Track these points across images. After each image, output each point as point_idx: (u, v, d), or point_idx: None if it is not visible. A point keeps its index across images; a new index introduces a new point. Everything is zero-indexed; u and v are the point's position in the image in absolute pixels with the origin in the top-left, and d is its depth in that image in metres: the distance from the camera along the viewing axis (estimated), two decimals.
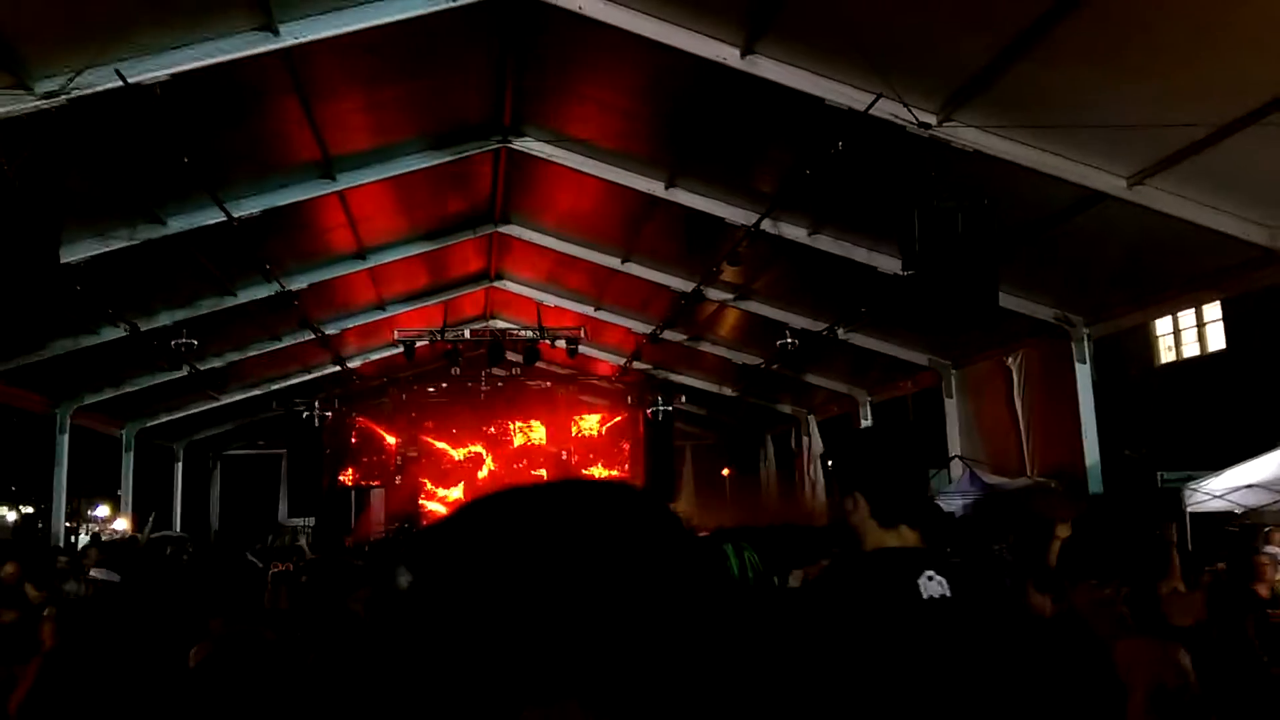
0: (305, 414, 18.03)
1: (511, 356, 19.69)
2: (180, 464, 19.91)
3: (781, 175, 9.68)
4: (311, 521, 19.19)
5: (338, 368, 17.18)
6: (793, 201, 10.04)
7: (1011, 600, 2.05)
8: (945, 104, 7.55)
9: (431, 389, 19.92)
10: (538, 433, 21.15)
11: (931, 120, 7.60)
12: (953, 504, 11.97)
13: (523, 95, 9.81)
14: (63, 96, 6.90)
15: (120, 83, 6.83)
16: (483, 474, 21.08)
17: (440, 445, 21.07)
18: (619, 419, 20.92)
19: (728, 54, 7.61)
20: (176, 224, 9.91)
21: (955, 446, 13.67)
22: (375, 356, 18.02)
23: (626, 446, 20.81)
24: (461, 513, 0.81)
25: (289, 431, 19.07)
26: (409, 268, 14.07)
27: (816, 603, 2.01)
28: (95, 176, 8.55)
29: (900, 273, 8.44)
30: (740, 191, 10.53)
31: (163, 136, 7.64)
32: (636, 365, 17.87)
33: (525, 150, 10.67)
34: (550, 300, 16.08)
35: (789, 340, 13.61)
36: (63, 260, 8.11)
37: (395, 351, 16.84)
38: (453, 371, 18.28)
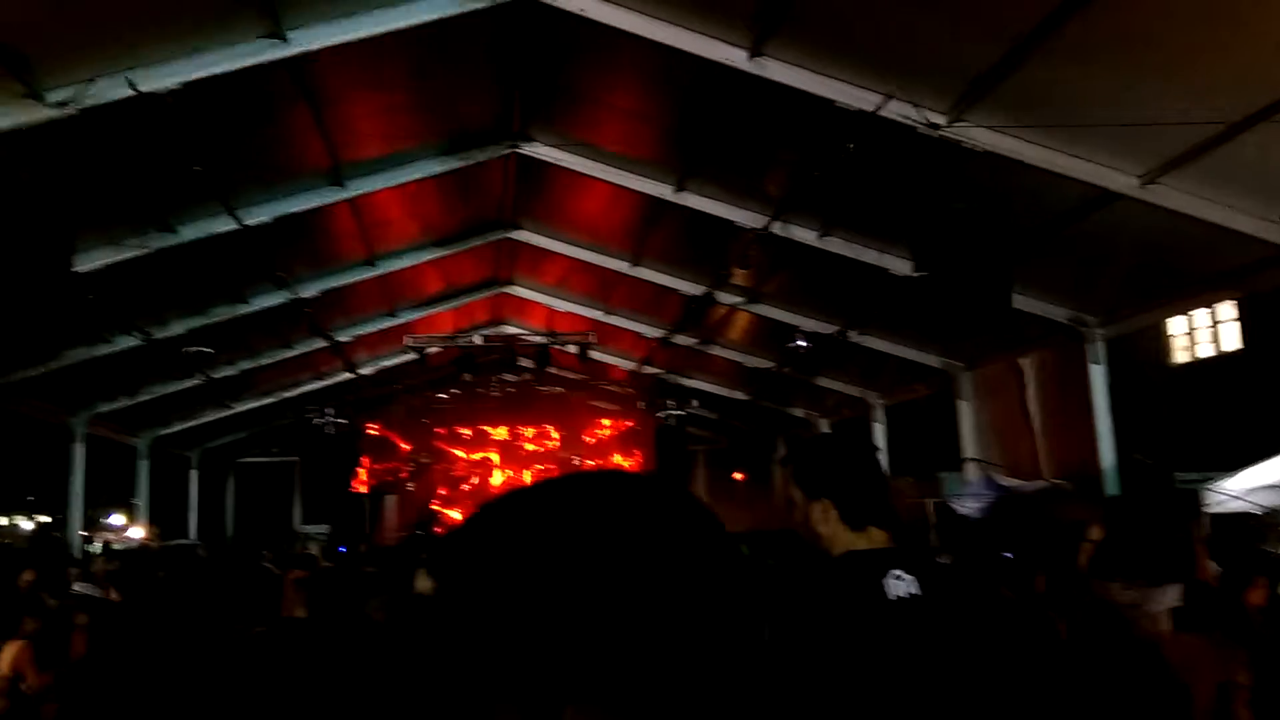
0: (318, 421, 18.07)
1: (523, 362, 19.73)
2: (195, 472, 19.99)
3: (791, 177, 9.65)
4: (325, 528, 19.26)
5: (350, 375, 17.23)
6: (802, 204, 10.01)
7: (989, 599, 2.02)
8: (955, 104, 7.51)
9: (443, 395, 19.95)
10: (549, 438, 21.16)
11: (941, 121, 7.56)
12: (967, 507, 11.91)
13: (531, 100, 9.83)
14: (75, 106, 6.94)
15: (132, 92, 6.87)
16: (495, 479, 21.11)
17: (453, 451, 21.10)
18: (630, 423, 20.90)
19: (736, 56, 7.59)
20: (189, 232, 9.96)
21: (969, 449, 13.59)
22: (387, 363, 18.07)
23: (638, 451, 20.78)
24: (493, 507, 0.79)
25: (302, 439, 19.14)
26: (419, 274, 14.11)
27: (785, 607, 1.99)
28: (107, 185, 8.60)
29: (912, 274, 8.39)
30: (750, 194, 10.51)
31: (174, 145, 7.69)
32: (647, 369, 17.84)
33: (534, 155, 10.68)
34: (561, 305, 16.09)
35: (800, 343, 13.56)
36: (76, 269, 8.17)
37: (407, 358, 16.88)
38: (464, 377, 18.30)
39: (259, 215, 9.90)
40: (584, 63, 8.92)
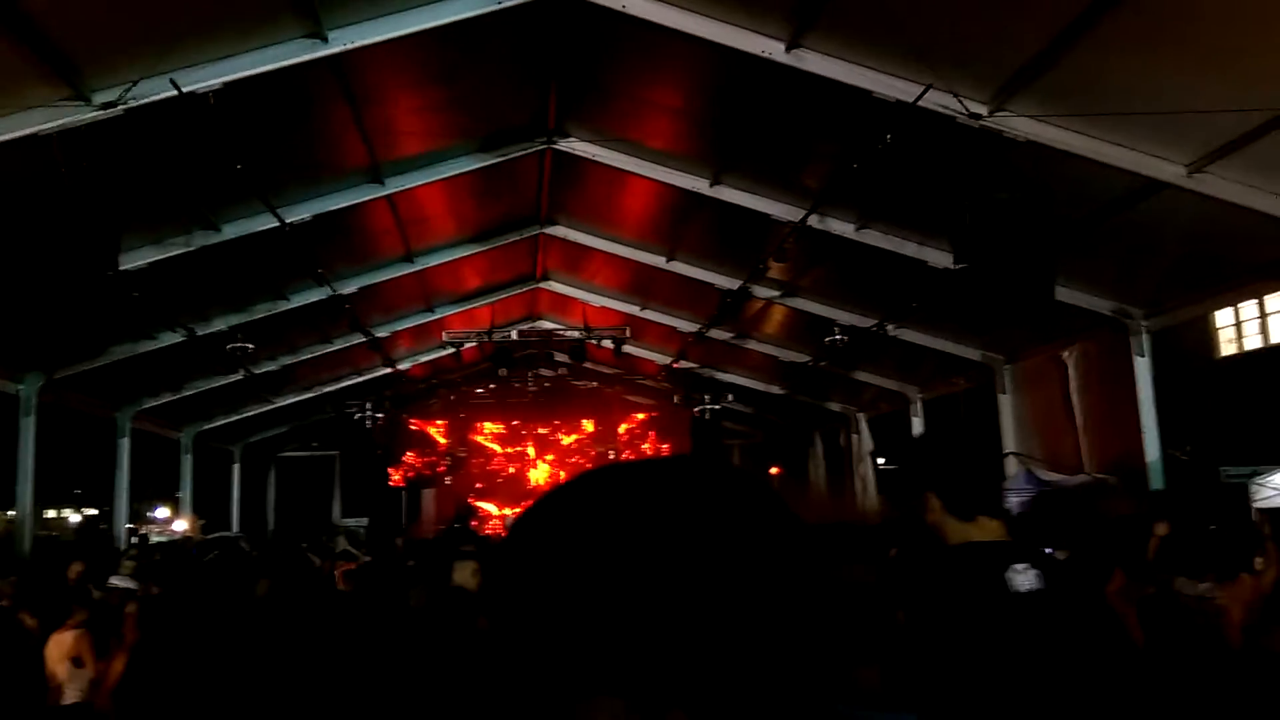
0: (357, 416, 18.29)
1: (558, 356, 19.80)
2: (237, 466, 20.30)
3: (828, 170, 9.57)
4: (364, 521, 19.48)
5: (388, 370, 17.39)
6: (840, 196, 9.92)
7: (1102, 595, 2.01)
8: (997, 94, 7.40)
9: (480, 390, 20.09)
10: (584, 432, 21.23)
11: (983, 110, 7.46)
12: (1008, 502, 11.78)
13: (567, 96, 9.83)
14: (120, 107, 7.06)
15: (175, 92, 6.96)
16: (531, 473, 21.23)
17: (489, 445, 21.24)
18: (666, 418, 20.90)
19: (773, 48, 7.54)
20: (231, 230, 10.11)
21: (1010, 443, 13.42)
22: (424, 358, 18.22)
23: (674, 445, 20.77)
24: (569, 487, 0.76)
25: (342, 433, 19.39)
26: (456, 270, 14.19)
27: (904, 596, 1.99)
28: (152, 184, 8.74)
29: (952, 267, 8.30)
30: (786, 187, 10.44)
31: (216, 144, 7.78)
32: (682, 364, 17.82)
33: (570, 151, 10.69)
34: (596, 300, 16.11)
35: (837, 337, 13.47)
36: (122, 267, 8.32)
37: (444, 353, 17.01)
38: (500, 372, 18.41)
39: (299, 213, 10.02)
40: (620, 58, 8.91)
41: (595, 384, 20.59)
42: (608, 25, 7.92)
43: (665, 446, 20.82)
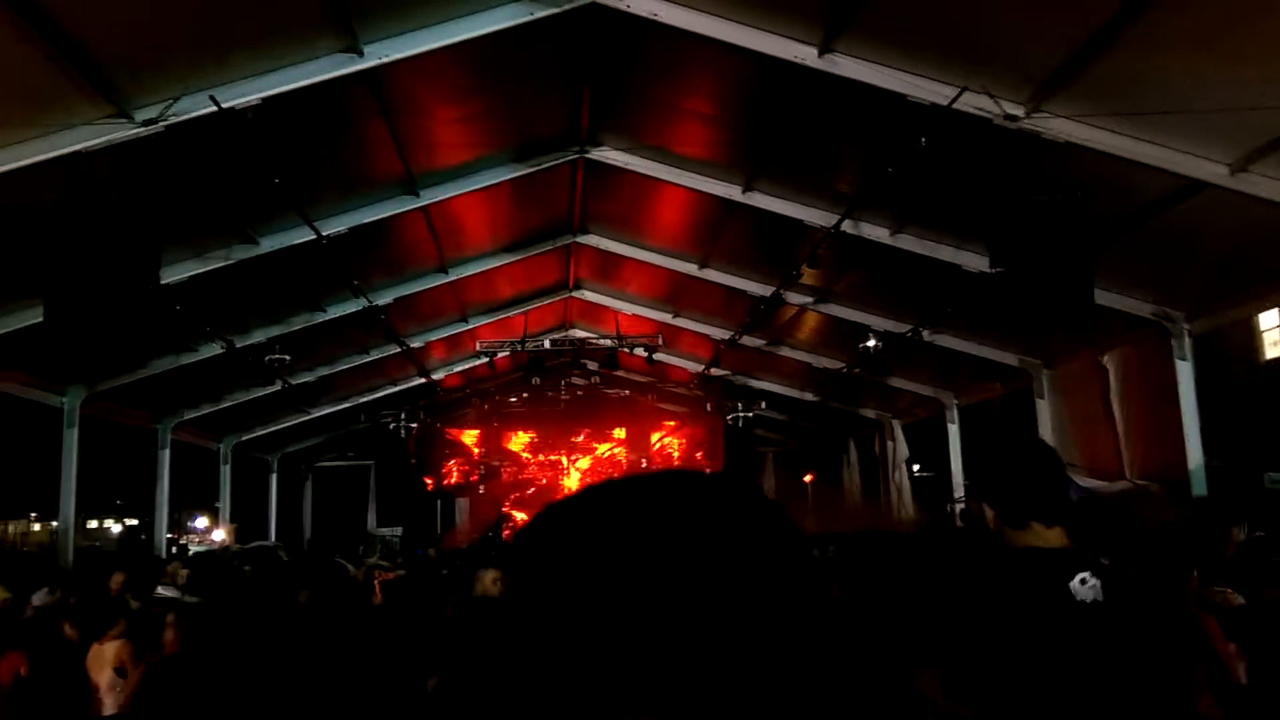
0: (392, 426, 18.46)
1: (590, 365, 19.83)
2: (275, 475, 20.52)
3: (861, 174, 9.52)
4: (398, 531, 19.61)
5: (422, 380, 17.52)
6: (873, 201, 9.86)
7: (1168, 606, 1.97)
8: (1033, 95, 7.32)
9: (513, 399, 20.18)
10: (617, 440, 21.24)
11: (1019, 112, 7.38)
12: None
13: (599, 105, 9.87)
14: (161, 123, 7.18)
15: (214, 108, 7.08)
16: (564, 482, 21.27)
17: (522, 454, 21.32)
18: (698, 425, 20.86)
19: (805, 54, 7.52)
20: (269, 243, 10.24)
21: None
22: (458, 368, 18.34)
23: (706, 453, 20.74)
24: (564, 508, 0.77)
25: (377, 443, 19.55)
26: (490, 280, 14.28)
27: (964, 600, 1.97)
28: (192, 199, 8.88)
29: (988, 270, 8.21)
30: (819, 192, 10.40)
31: (255, 159, 7.89)
32: (715, 371, 17.79)
33: (602, 159, 10.73)
34: (628, 308, 16.14)
35: (871, 343, 13.38)
36: (163, 281, 8.46)
37: (478, 363, 17.11)
38: (533, 381, 18.49)
39: (336, 225, 10.14)
40: (651, 66, 8.93)
41: (627, 392, 20.61)
42: (639, 34, 7.94)
43: (699, 454, 20.79)
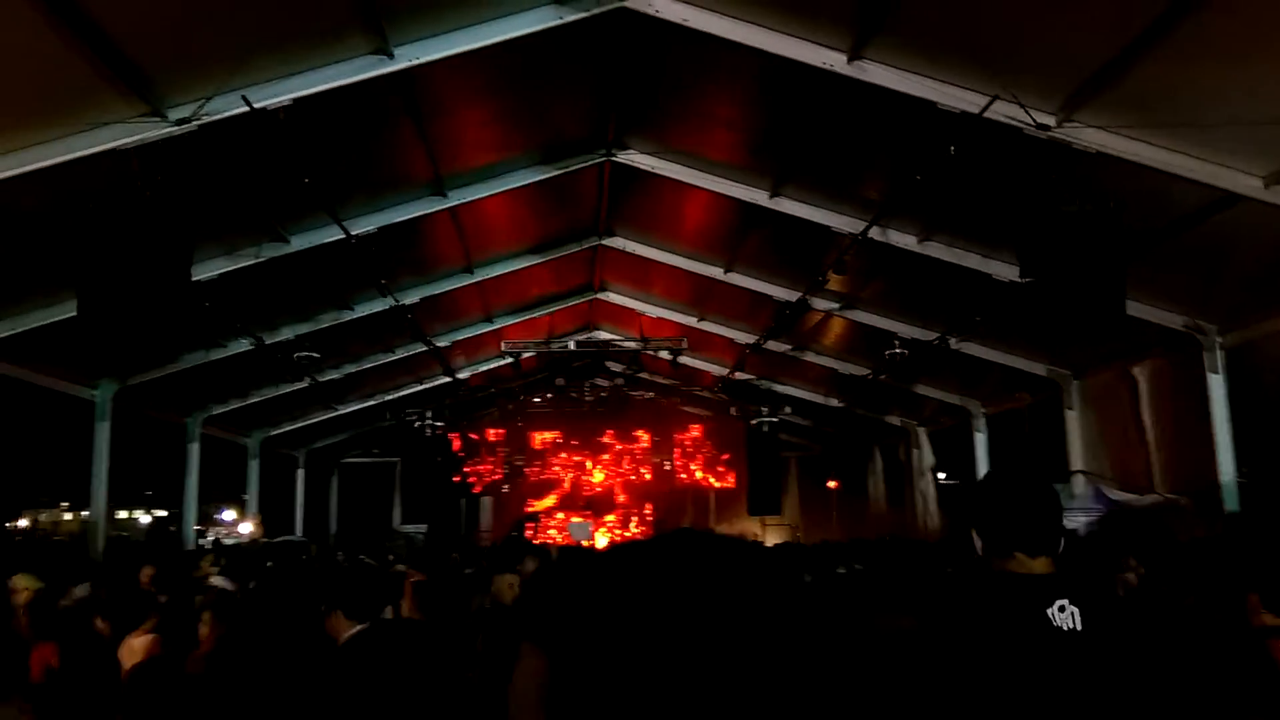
0: (417, 424, 18.57)
1: (615, 367, 19.86)
2: (302, 471, 20.71)
3: (890, 182, 9.46)
4: (423, 528, 19.72)
5: (448, 379, 17.62)
6: (901, 208, 9.81)
7: (1155, 633, 1.93)
8: (1065, 104, 7.25)
9: (537, 399, 20.25)
10: (641, 442, 21.25)
11: (1050, 121, 7.31)
12: (1075, 521, 11.50)
13: (627, 108, 9.88)
14: (194, 123, 7.27)
15: (246, 108, 7.15)
16: (586, 481, 21.31)
17: (546, 453, 21.38)
18: (722, 429, 20.82)
19: (834, 60, 7.48)
20: (299, 242, 10.34)
21: (1077, 461, 13.09)
22: (483, 368, 18.43)
23: (730, 457, 20.70)
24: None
25: (402, 441, 19.67)
26: (515, 280, 14.33)
27: (941, 626, 1.97)
28: (224, 198, 8.98)
29: (1018, 280, 8.13)
30: (846, 199, 10.35)
31: (286, 158, 7.96)
32: (739, 375, 17.75)
33: (629, 163, 10.74)
34: (653, 311, 16.14)
35: (898, 350, 13.30)
36: (194, 278, 8.55)
37: (503, 363, 17.18)
38: (557, 382, 18.54)
39: (365, 225, 10.22)
40: (680, 71, 8.92)
41: (651, 394, 20.62)
42: (667, 38, 7.94)
43: (724, 457, 20.76)
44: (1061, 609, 1.87)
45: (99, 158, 7.24)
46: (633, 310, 16.34)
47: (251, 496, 18.46)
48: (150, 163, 7.22)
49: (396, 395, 18.25)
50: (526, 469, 21.19)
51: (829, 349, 15.71)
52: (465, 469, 20.48)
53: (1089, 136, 7.31)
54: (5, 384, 10.88)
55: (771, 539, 18.34)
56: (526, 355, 16.29)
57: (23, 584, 5.92)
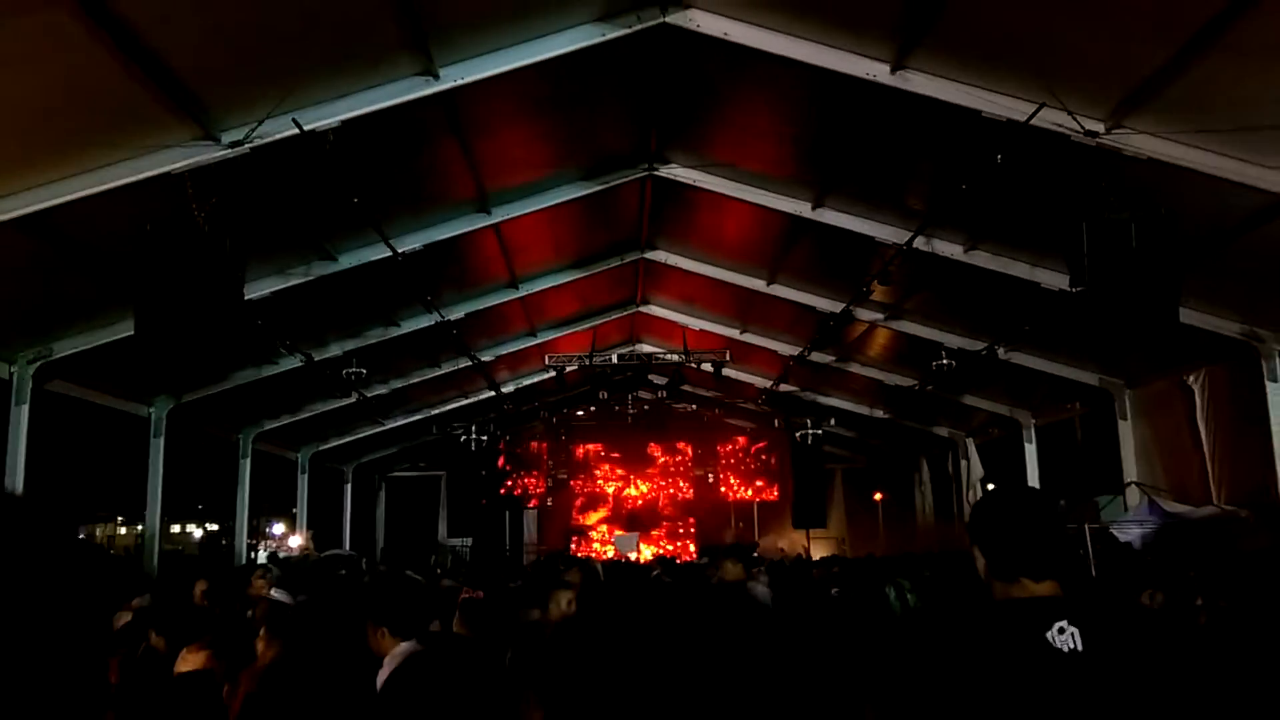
0: (463, 438, 18.74)
1: (657, 379, 19.87)
2: (349, 485, 20.98)
3: (934, 191, 9.38)
4: (468, 541, 19.87)
5: (492, 393, 17.76)
6: (947, 218, 9.71)
7: (1163, 652, 1.90)
8: (1114, 110, 7.14)
9: (580, 412, 20.33)
10: (684, 454, 21.22)
11: (1099, 128, 7.20)
12: (1130, 533, 11.26)
13: (668, 122, 9.91)
14: (246, 145, 7.43)
15: (297, 131, 7.30)
16: (631, 492, 21.33)
17: (589, 466, 21.45)
18: (765, 442, 20.73)
19: (877, 70, 7.45)
20: (347, 260, 10.51)
21: (1131, 472, 12.83)
22: (527, 381, 18.54)
23: (774, 469, 20.60)
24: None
25: (448, 454, 19.85)
26: (558, 295, 14.42)
27: (940, 652, 1.96)
28: (274, 218, 9.16)
29: (1068, 289, 8.00)
30: (890, 209, 10.28)
31: (334, 179, 8.11)
32: (783, 387, 17.66)
33: (670, 177, 10.77)
34: (695, 324, 16.14)
35: (945, 361, 13.15)
36: (246, 297, 8.73)
37: (546, 376, 17.27)
38: (600, 395, 18.60)
39: (411, 243, 10.36)
40: (720, 84, 8.94)
41: (694, 407, 20.60)
42: (709, 53, 7.97)
43: (768, 469, 20.65)
44: (1061, 630, 1.86)
45: (154, 181, 7.43)
46: (675, 323, 16.35)
47: (301, 510, 18.73)
48: (204, 185, 7.39)
49: (442, 409, 18.43)
50: (571, 482, 21.28)
51: (874, 360, 15.58)
52: (509, 482, 20.61)
53: (1139, 142, 7.19)
54: (65, 402, 11.16)
55: (817, 553, 18.20)
56: (570, 369, 16.36)
57: None
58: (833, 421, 18.99)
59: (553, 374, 16.56)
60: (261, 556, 17.24)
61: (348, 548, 19.41)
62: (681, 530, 21.33)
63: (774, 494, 20.83)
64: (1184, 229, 7.34)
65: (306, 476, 18.48)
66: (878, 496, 22.52)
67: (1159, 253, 7.09)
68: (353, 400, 14.91)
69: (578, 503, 21.54)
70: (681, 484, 21.22)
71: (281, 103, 7.29)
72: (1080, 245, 7.25)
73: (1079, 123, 7.13)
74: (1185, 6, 6.07)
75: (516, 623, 5.97)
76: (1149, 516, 11.42)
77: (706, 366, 16.19)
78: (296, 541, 19.04)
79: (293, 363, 12.89)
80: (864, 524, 22.23)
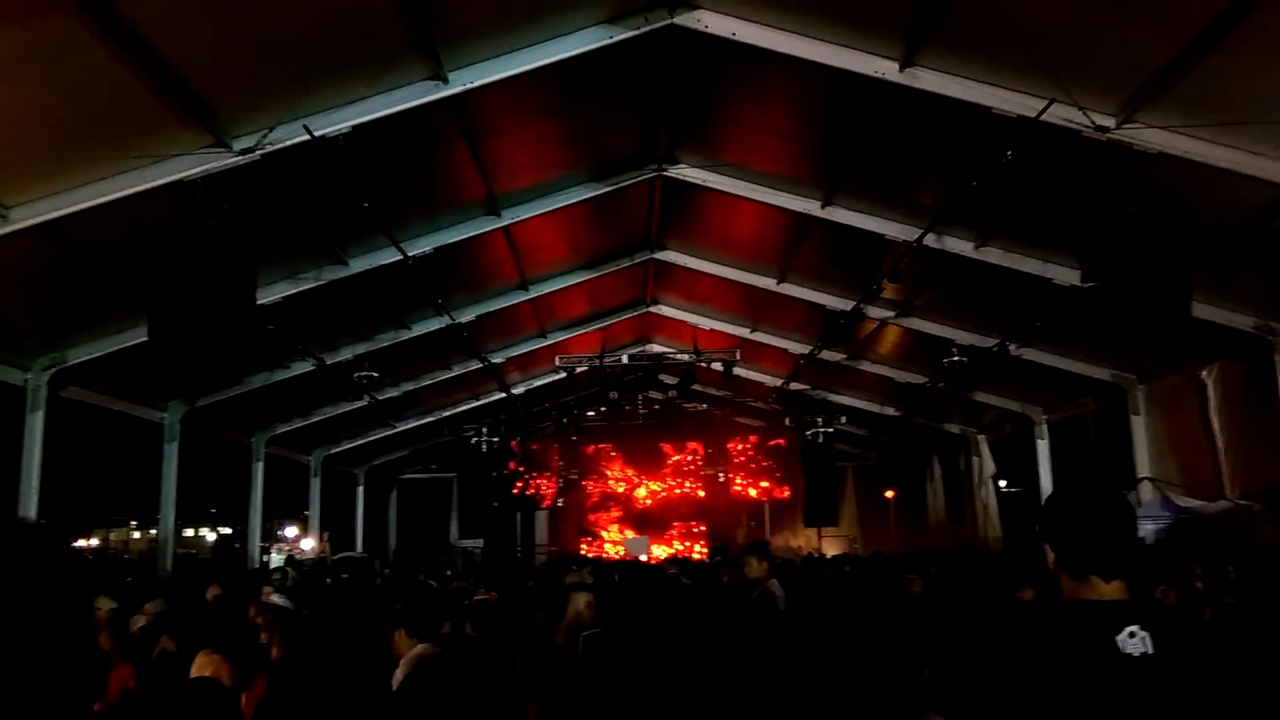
0: (474, 439, 18.78)
1: (667, 379, 19.87)
2: (362, 487, 21.05)
3: (945, 188, 9.37)
4: (480, 542, 19.89)
5: (503, 394, 17.79)
6: (957, 214, 9.69)
7: (1235, 657, 1.89)
8: (1125, 105, 7.12)
9: (591, 413, 20.33)
10: (695, 453, 21.22)
11: (1110, 123, 7.18)
12: (1143, 529, 11.22)
13: (677, 123, 9.92)
14: (258, 152, 7.48)
15: (307, 137, 7.34)
16: (641, 493, 21.33)
17: (600, 466, 21.46)
18: (777, 440, 20.71)
19: (886, 68, 7.44)
20: (357, 264, 10.56)
21: (1144, 467, 12.78)
22: (538, 383, 18.57)
23: (785, 468, 20.57)
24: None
25: (459, 456, 19.90)
26: (568, 296, 14.45)
27: (1010, 654, 1.95)
28: (286, 223, 9.21)
29: (1079, 284, 7.98)
30: (900, 207, 10.26)
31: (345, 184, 8.15)
32: (793, 386, 17.64)
33: (679, 177, 10.77)
34: (705, 323, 16.13)
35: (956, 358, 13.11)
36: (258, 302, 8.77)
37: (556, 377, 17.30)
38: (611, 395, 18.60)
39: (421, 246, 10.40)
40: (728, 84, 8.94)
41: (705, 406, 20.59)
42: (717, 53, 7.97)
43: (779, 468, 20.63)
44: (1132, 635, 1.85)
45: (167, 188, 7.47)
46: (685, 323, 16.35)
47: (313, 514, 18.79)
48: (215, 191, 7.43)
49: (453, 412, 18.48)
50: (582, 482, 21.30)
51: (885, 357, 15.55)
52: (521, 483, 20.64)
53: (1150, 137, 7.17)
54: (79, 408, 11.23)
55: (829, 551, 18.18)
56: (580, 370, 16.38)
57: (105, 605, 6.10)
58: (844, 419, 18.95)
59: (563, 375, 16.58)
60: (275, 560, 17.26)
61: (360, 550, 19.48)
62: (695, 530, 21.35)
63: (785, 493, 20.80)
64: (1196, 223, 7.31)
65: (319, 479, 18.54)
66: (889, 494, 22.47)
67: (1171, 247, 7.06)
68: (364, 403, 14.96)
69: (589, 503, 21.56)
70: (692, 484, 21.22)
71: (292, 109, 7.34)
72: (1091, 240, 7.23)
73: (1089, 118, 7.12)
74: (1194, 1, 6.05)
75: (529, 625, 5.99)
76: (1162, 512, 11.37)
77: (717, 366, 16.18)
78: (311, 545, 19.10)
79: (305, 366, 12.95)
80: (876, 522, 22.19)
